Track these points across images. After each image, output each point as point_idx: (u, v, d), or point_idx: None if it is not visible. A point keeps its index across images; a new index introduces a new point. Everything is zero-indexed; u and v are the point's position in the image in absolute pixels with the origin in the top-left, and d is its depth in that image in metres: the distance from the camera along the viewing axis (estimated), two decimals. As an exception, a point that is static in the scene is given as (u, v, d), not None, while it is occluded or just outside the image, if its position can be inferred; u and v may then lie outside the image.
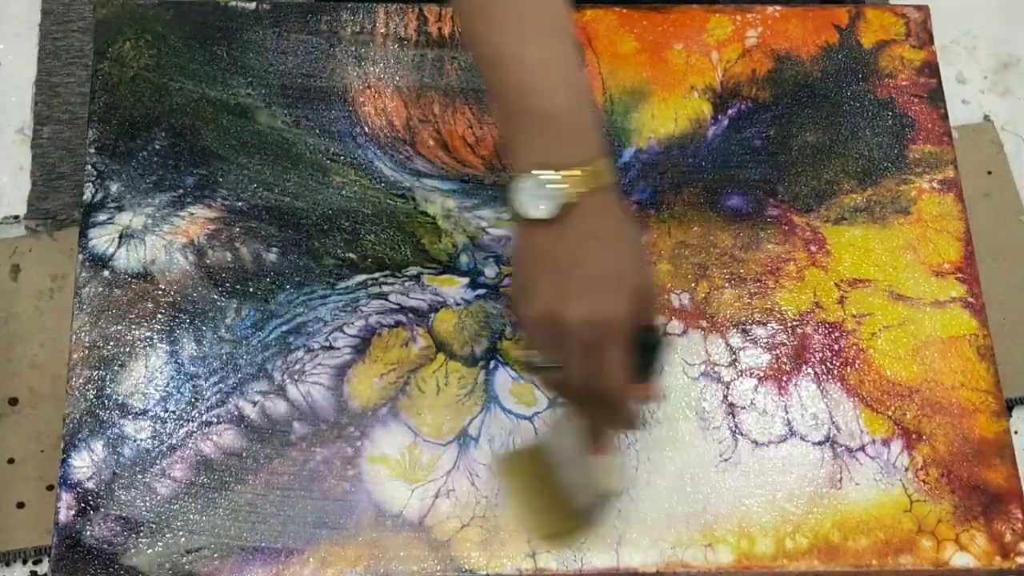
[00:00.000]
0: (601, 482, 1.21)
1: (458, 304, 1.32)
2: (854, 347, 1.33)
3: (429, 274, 1.33)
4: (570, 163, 1.04)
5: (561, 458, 1.22)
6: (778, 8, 1.47)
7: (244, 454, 1.25)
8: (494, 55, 1.08)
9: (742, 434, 1.29)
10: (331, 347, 1.30)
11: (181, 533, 1.22)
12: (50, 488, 1.55)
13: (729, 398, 1.30)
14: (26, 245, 1.67)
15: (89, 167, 1.35)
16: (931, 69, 1.46)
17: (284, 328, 1.30)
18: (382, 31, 1.44)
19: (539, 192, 1.04)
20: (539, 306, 1.06)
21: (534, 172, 1.04)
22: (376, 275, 1.33)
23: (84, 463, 1.24)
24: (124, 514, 1.22)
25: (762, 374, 1.31)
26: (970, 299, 1.35)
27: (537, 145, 1.05)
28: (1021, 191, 1.68)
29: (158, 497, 1.23)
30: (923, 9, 1.48)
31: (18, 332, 1.62)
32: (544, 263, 1.06)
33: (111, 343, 1.28)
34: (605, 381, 1.07)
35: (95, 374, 1.27)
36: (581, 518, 1.24)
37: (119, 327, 1.29)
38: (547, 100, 1.05)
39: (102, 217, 1.33)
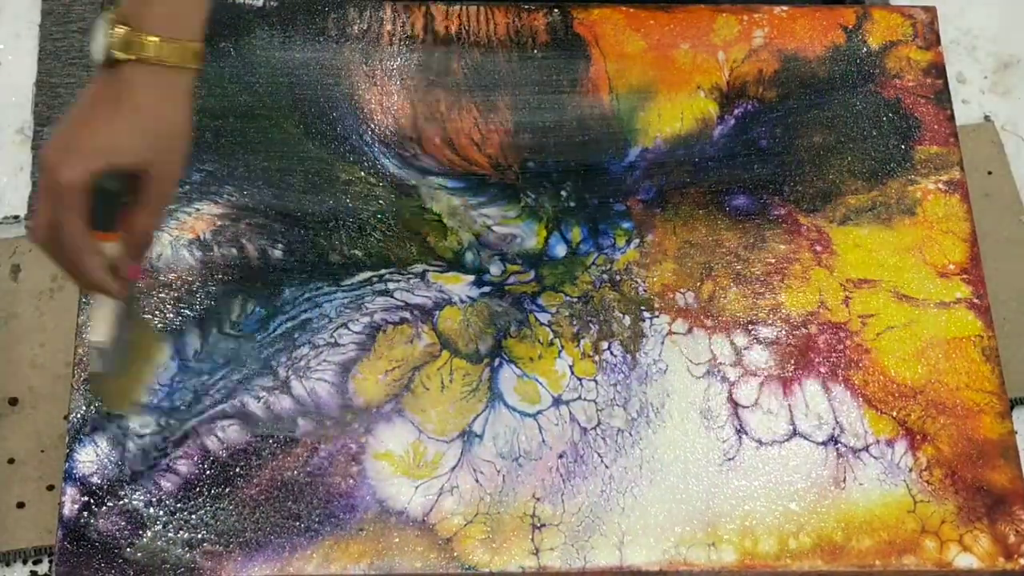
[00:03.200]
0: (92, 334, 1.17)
1: (463, 301, 1.32)
2: (859, 347, 1.33)
3: (434, 271, 1.33)
4: (140, 27, 1.08)
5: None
6: (785, 8, 1.48)
7: (248, 450, 1.25)
8: None
9: (746, 433, 1.29)
10: (336, 344, 1.30)
11: (185, 528, 1.22)
12: (50, 488, 1.54)
13: (733, 397, 1.30)
14: (26, 245, 1.67)
15: (95, 162, 1.35)
16: (938, 70, 1.46)
17: (289, 324, 1.30)
18: (389, 29, 1.44)
19: (99, 34, 1.08)
20: (49, 139, 1.10)
21: (107, 16, 1.08)
22: (381, 272, 1.33)
23: (89, 458, 1.24)
24: (128, 508, 1.22)
25: (767, 373, 1.31)
26: (975, 300, 1.35)
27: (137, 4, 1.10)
28: (1021, 191, 1.68)
29: (162, 492, 1.23)
30: (930, 10, 1.49)
31: (18, 332, 1.61)
32: (79, 104, 1.10)
33: (116, 338, 1.28)
34: (60, 239, 1.09)
35: (100, 369, 1.27)
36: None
37: (124, 322, 1.29)
38: None
39: (108, 212, 1.33)
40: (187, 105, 1.12)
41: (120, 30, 1.07)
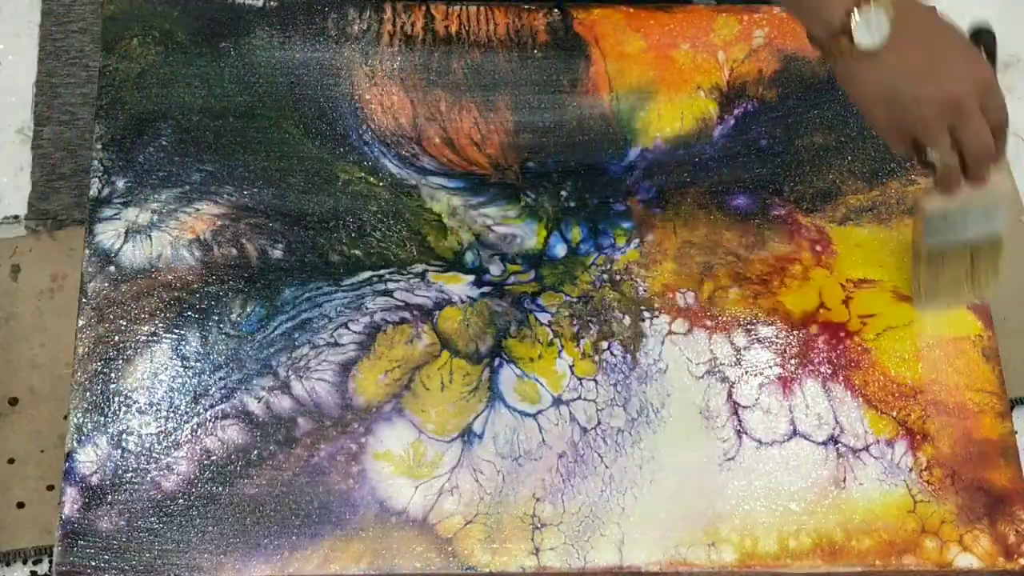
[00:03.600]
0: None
1: (463, 301, 1.32)
2: (859, 347, 1.33)
3: (434, 271, 1.33)
4: None
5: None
6: (785, 9, 1.48)
7: (248, 450, 1.25)
8: None
9: (746, 433, 1.29)
10: (336, 344, 1.30)
11: (185, 528, 1.22)
12: (50, 488, 1.54)
13: (734, 397, 1.30)
14: (26, 245, 1.67)
15: (96, 163, 1.35)
16: (937, 70, 1.46)
17: (289, 324, 1.30)
18: (389, 29, 1.44)
19: (869, 23, 1.14)
20: (928, 107, 1.18)
21: (858, 11, 1.14)
22: (381, 272, 1.33)
23: (88, 458, 1.24)
24: (128, 508, 1.22)
25: (767, 373, 1.31)
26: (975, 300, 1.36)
27: None
28: (1021, 191, 1.68)
29: (162, 492, 1.23)
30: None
31: (18, 332, 1.61)
32: (908, 74, 1.17)
33: (116, 338, 1.28)
34: (1001, 120, 1.22)
35: (100, 368, 1.27)
36: None
37: (124, 322, 1.29)
38: None
39: (108, 212, 1.33)
40: None
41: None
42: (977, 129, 1.19)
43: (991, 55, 1.29)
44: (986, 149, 1.20)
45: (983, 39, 1.28)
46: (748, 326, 1.33)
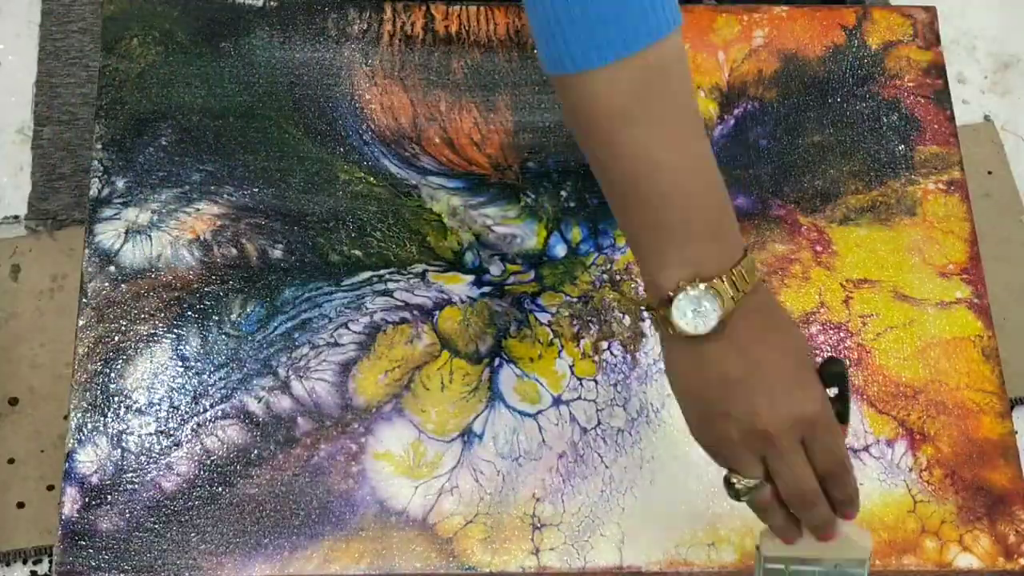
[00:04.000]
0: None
1: (463, 301, 1.32)
2: (859, 347, 1.33)
3: (434, 271, 1.33)
4: (720, 269, 1.00)
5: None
6: (785, 8, 1.47)
7: (248, 450, 1.25)
8: (632, 165, 1.01)
9: (746, 433, 1.29)
10: (336, 343, 1.30)
11: (185, 528, 1.22)
12: (50, 488, 1.54)
13: (734, 397, 1.30)
14: (26, 245, 1.67)
15: (96, 162, 1.35)
16: (937, 70, 1.46)
17: (289, 324, 1.30)
18: (389, 29, 1.44)
19: (696, 308, 1.00)
20: (735, 426, 1.02)
21: (688, 289, 1.00)
22: (381, 272, 1.33)
23: (88, 458, 1.24)
24: (128, 509, 1.22)
25: (767, 374, 1.31)
26: (975, 300, 1.35)
27: (684, 256, 1.01)
28: (1021, 191, 1.68)
29: (162, 492, 1.23)
30: (930, 10, 1.48)
31: (18, 332, 1.61)
32: (719, 380, 1.02)
33: (116, 338, 1.28)
34: (833, 466, 1.04)
35: (100, 368, 1.27)
36: None
37: (124, 322, 1.29)
38: (691, 203, 1.00)
39: (108, 212, 1.33)
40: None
41: (715, 285, 1.00)
42: (792, 471, 1.03)
43: (843, 397, 1.06)
44: (803, 494, 1.04)
45: (833, 378, 1.06)
46: (748, 326, 1.33)
